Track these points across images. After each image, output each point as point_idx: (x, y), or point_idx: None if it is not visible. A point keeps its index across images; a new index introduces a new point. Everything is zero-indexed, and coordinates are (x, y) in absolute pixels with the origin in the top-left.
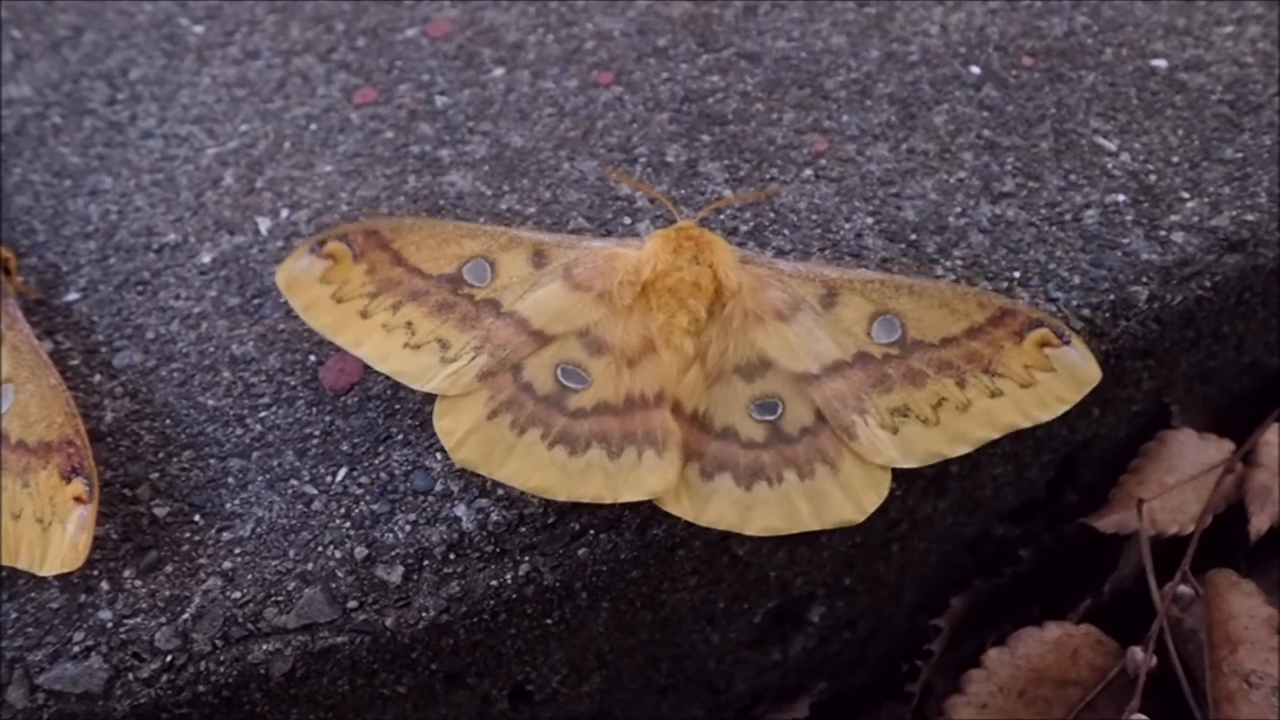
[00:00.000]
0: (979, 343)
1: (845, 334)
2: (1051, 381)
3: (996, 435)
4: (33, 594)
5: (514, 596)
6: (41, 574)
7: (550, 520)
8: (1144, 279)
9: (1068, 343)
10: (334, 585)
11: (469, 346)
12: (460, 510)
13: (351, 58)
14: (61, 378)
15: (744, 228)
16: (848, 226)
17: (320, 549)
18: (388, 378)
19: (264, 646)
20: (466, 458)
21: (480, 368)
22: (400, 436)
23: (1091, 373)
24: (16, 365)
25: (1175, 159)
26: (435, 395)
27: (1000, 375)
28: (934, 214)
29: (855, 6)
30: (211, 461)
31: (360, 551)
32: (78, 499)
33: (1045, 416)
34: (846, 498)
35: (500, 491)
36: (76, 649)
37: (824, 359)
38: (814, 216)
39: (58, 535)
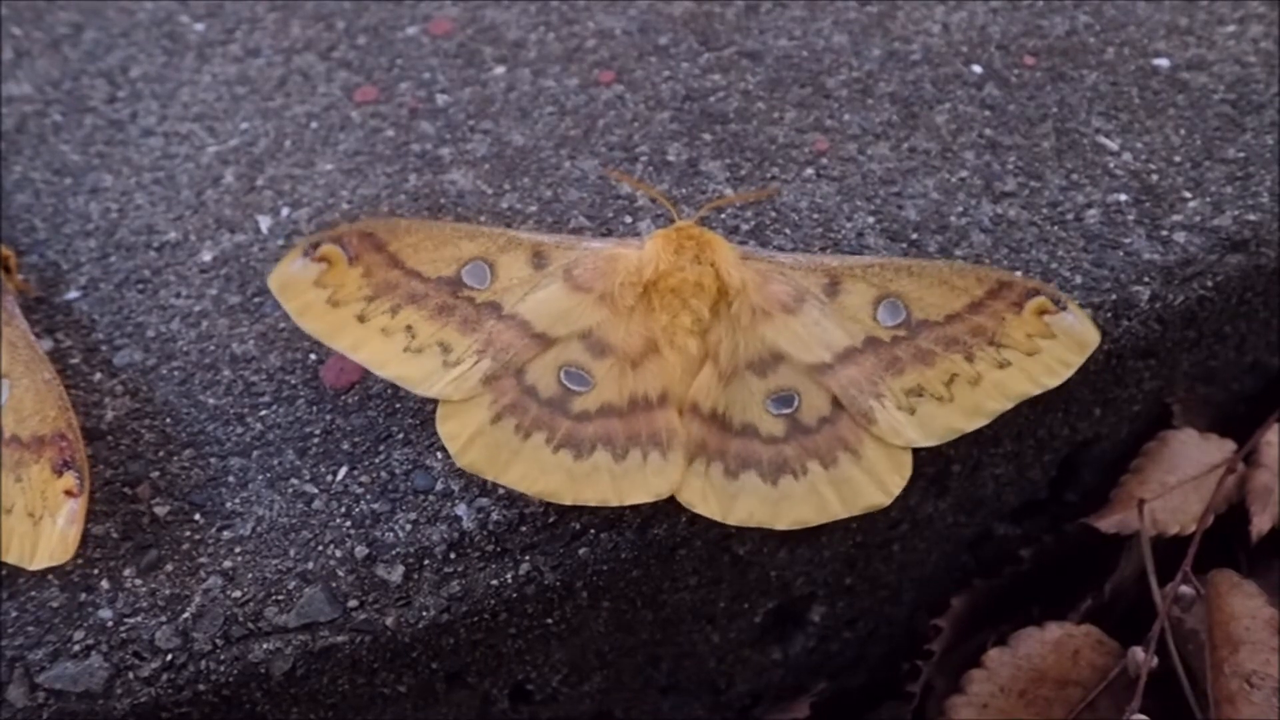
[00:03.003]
0: (981, 316)
1: (852, 320)
2: (1054, 347)
3: (1010, 405)
4: (33, 593)
5: (514, 596)
6: (31, 568)
7: (551, 520)
8: (1146, 279)
9: (1064, 308)
10: (334, 584)
11: (471, 350)
12: (461, 509)
13: (352, 56)
14: (56, 373)
15: (745, 227)
16: (849, 226)
17: (321, 548)
18: None
19: (264, 645)
20: (471, 462)
21: (484, 372)
22: (401, 435)
23: (1090, 335)
24: (12, 361)
25: (1177, 158)
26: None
27: (1005, 346)
28: (935, 213)
29: (857, 5)
30: (212, 460)
31: (361, 550)
32: (68, 492)
33: (1053, 382)
34: (872, 482)
35: (501, 491)
36: (77, 648)
37: (834, 347)
38: (815, 216)
39: (48, 529)
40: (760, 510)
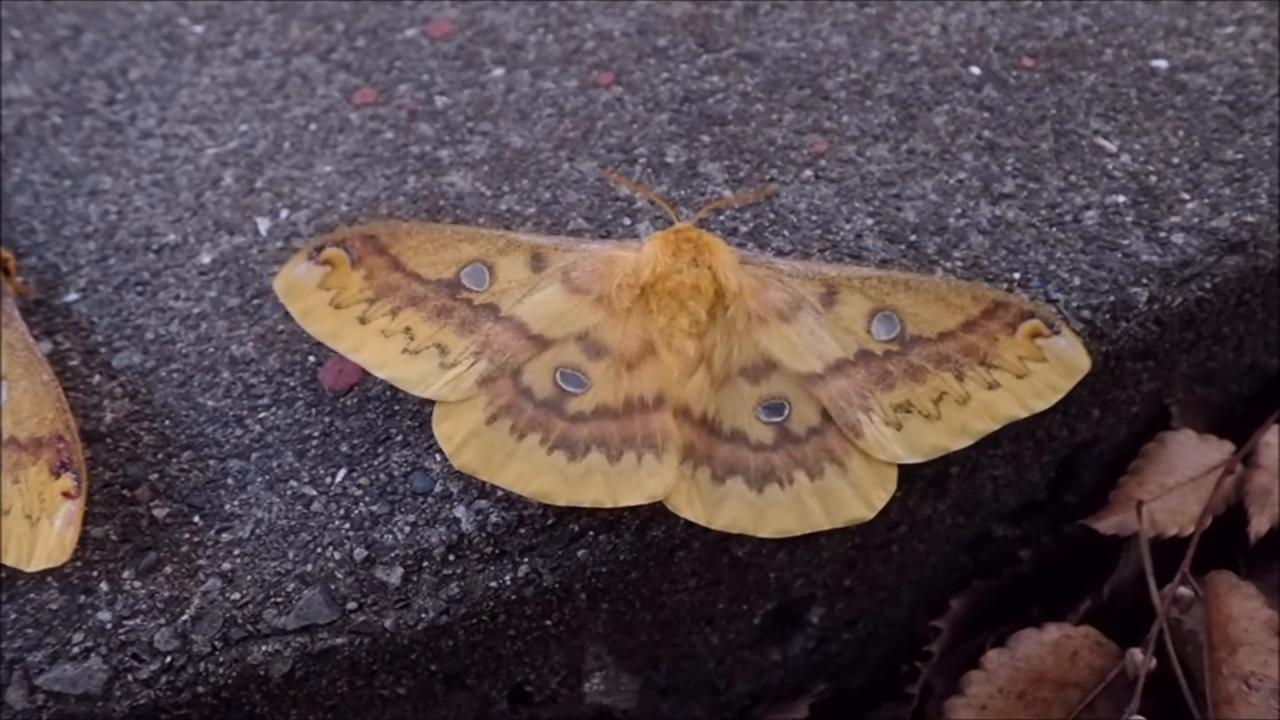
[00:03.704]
0: (974, 336)
1: (846, 332)
2: (1044, 371)
3: (996, 426)
4: (32, 595)
5: (513, 598)
6: (29, 569)
7: (550, 522)
8: (1144, 280)
9: (1058, 332)
10: (333, 586)
11: (468, 352)
12: (460, 511)
13: (351, 58)
14: (55, 375)
15: (744, 229)
16: (848, 227)
17: (319, 550)
18: None
19: (263, 648)
20: (466, 463)
21: (480, 373)
22: (399, 437)
23: (1081, 361)
24: (11, 363)
25: (1175, 160)
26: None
27: (996, 367)
28: (934, 215)
29: (855, 7)
30: (211, 462)
31: (359, 553)
32: (66, 494)
33: (1041, 406)
34: (856, 495)
35: (500, 493)
36: (76, 650)
37: (827, 358)
38: (814, 217)
39: (45, 530)
40: (744, 516)
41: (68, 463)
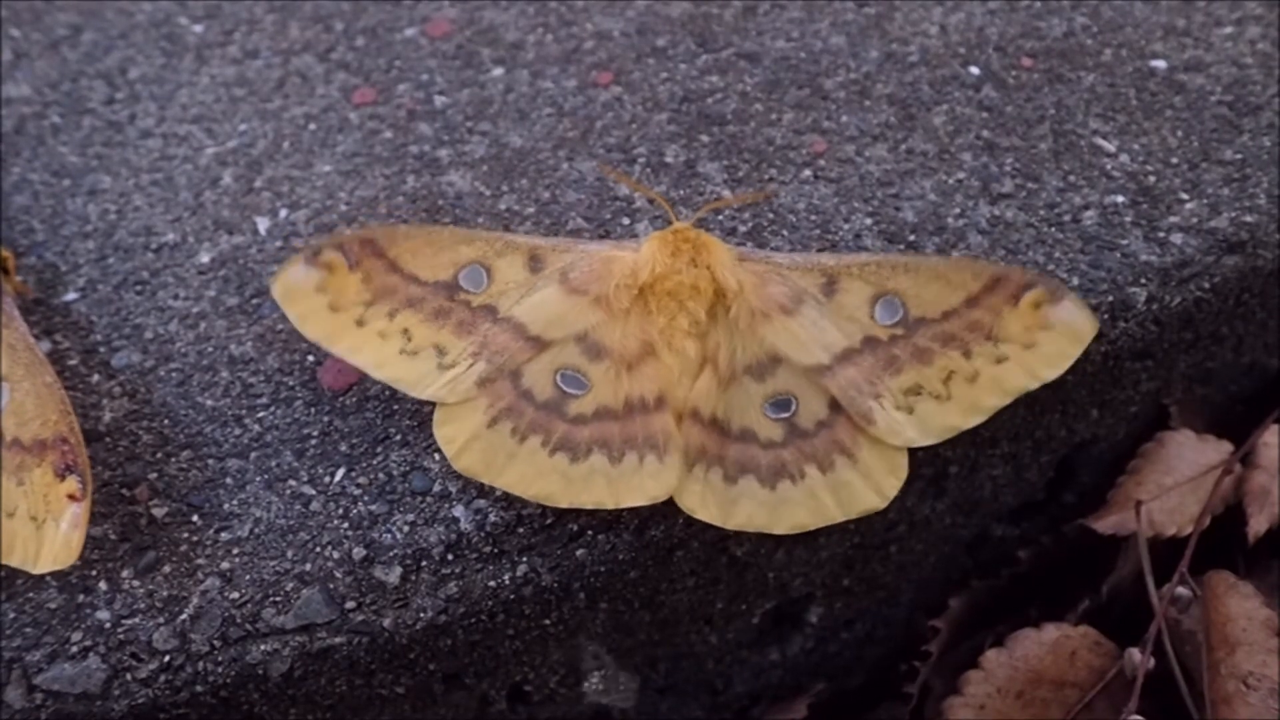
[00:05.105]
0: (978, 311)
1: (849, 320)
2: (1051, 339)
3: (1008, 401)
4: (31, 594)
5: (512, 597)
6: (35, 572)
7: (548, 521)
8: (1143, 280)
9: (1061, 299)
10: (332, 586)
11: (466, 353)
12: (458, 511)
13: (350, 57)
14: (57, 376)
15: (743, 228)
16: (846, 227)
17: (318, 549)
18: None
19: (262, 647)
20: (468, 466)
21: (478, 374)
22: (398, 437)
23: (1086, 325)
24: (13, 364)
25: (1174, 160)
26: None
27: (1003, 340)
28: (933, 215)
29: (855, 7)
30: (210, 462)
31: (358, 552)
32: (71, 496)
33: (1052, 374)
34: (868, 485)
35: (498, 492)
36: (74, 649)
37: (833, 348)
38: (813, 217)
39: (51, 533)
40: (759, 515)
41: (73, 465)
